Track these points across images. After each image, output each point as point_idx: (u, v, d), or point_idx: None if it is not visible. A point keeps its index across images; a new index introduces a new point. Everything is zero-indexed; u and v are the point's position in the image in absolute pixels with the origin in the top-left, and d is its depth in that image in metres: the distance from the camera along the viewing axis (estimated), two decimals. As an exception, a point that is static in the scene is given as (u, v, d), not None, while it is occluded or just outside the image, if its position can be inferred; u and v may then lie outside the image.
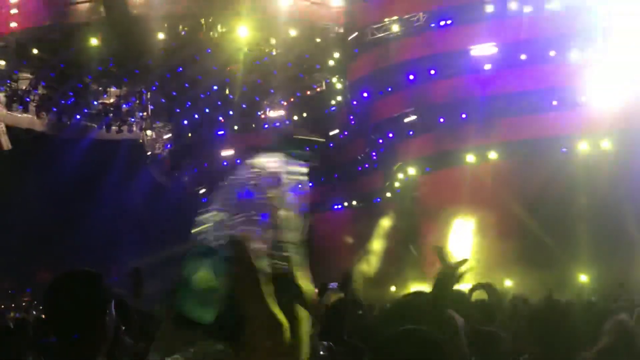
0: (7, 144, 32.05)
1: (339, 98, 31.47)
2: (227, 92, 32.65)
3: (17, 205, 34.11)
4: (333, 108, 32.14)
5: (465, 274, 3.78)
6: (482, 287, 10.77)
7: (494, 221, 25.10)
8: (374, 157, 30.03)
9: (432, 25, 25.09)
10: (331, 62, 29.25)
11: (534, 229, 23.73)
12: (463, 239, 25.69)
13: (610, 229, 22.29)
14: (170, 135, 37.87)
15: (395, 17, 25.42)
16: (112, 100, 33.57)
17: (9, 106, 30.67)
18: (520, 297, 9.77)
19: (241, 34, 25.55)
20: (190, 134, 36.83)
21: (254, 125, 35.32)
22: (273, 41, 27.20)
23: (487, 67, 24.47)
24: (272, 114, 35.07)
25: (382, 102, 27.11)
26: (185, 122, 36.35)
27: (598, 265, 22.36)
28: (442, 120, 25.99)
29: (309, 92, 33.64)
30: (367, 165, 31.12)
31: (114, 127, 34.14)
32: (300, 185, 2.70)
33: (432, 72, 25.56)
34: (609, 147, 23.64)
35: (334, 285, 8.09)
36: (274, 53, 28.55)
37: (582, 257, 22.51)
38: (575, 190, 23.18)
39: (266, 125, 35.19)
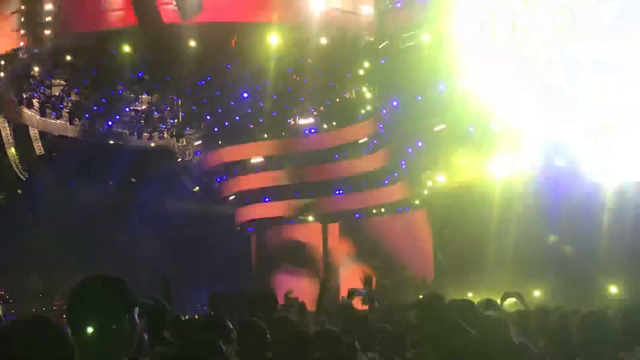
0: (39, 150, 32.46)
1: (369, 107, 31.46)
2: (257, 99, 32.76)
3: (49, 209, 34.51)
4: (362, 116, 32.15)
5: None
6: (511, 296, 10.79)
7: (521, 230, 24.95)
8: (403, 166, 29.97)
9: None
10: (361, 71, 29.26)
11: (562, 238, 23.57)
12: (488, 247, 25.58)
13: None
14: (200, 142, 38.08)
15: (425, 25, 25.34)
16: (143, 107, 33.84)
17: (42, 112, 31.03)
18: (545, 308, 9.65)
19: (272, 42, 25.65)
20: (220, 141, 37.01)
21: (283, 133, 35.43)
22: (304, 49, 27.26)
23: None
24: (302, 121, 35.13)
25: (412, 110, 27.05)
26: (216, 129, 36.53)
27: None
28: (471, 129, 25.87)
29: (338, 100, 33.67)
30: (395, 174, 31.05)
31: (145, 134, 34.42)
32: None
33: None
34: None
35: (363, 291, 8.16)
36: (305, 61, 28.62)
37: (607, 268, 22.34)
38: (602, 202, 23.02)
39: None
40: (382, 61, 27.09)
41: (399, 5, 25.71)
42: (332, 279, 24.09)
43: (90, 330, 2.75)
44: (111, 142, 34.86)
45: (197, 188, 38.86)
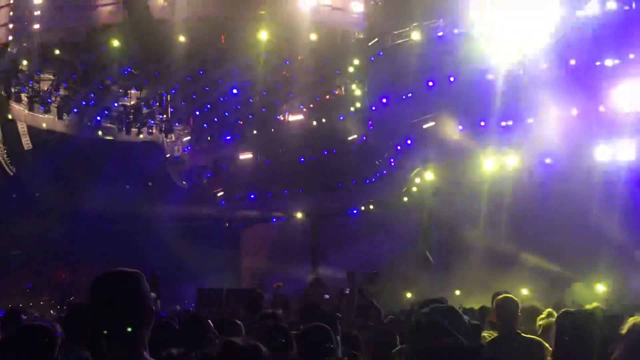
0: (27, 144, 32.34)
1: (358, 104, 31.47)
2: (246, 95, 32.77)
3: (36, 204, 34.39)
4: (352, 113, 32.14)
5: None
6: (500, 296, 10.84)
7: (510, 227, 25.02)
8: (392, 163, 29.99)
9: (453, 31, 24.97)
10: (351, 68, 29.29)
11: (549, 235, 23.63)
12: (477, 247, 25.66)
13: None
14: (189, 137, 38.06)
15: (415, 23, 25.35)
16: (132, 102, 33.76)
17: (30, 107, 30.93)
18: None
19: (262, 38, 25.65)
20: (209, 137, 37.01)
21: (272, 130, 35.42)
22: (293, 46, 27.29)
23: (508, 74, 24.34)
24: (292, 118, 35.14)
25: (401, 107, 27.06)
26: (205, 125, 36.54)
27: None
28: (460, 127, 25.90)
29: (328, 97, 33.68)
30: (385, 172, 31.08)
31: (133, 129, 34.35)
32: None
33: (452, 78, 25.48)
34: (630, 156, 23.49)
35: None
36: (294, 58, 28.65)
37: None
38: (596, 197, 23.12)
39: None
40: (372, 59, 27.13)
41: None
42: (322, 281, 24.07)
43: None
44: (99, 136, 34.79)
45: (185, 182, 38.81)
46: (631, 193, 22.65)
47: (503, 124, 25.13)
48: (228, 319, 5.81)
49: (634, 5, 21.76)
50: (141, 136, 35.28)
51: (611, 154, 23.77)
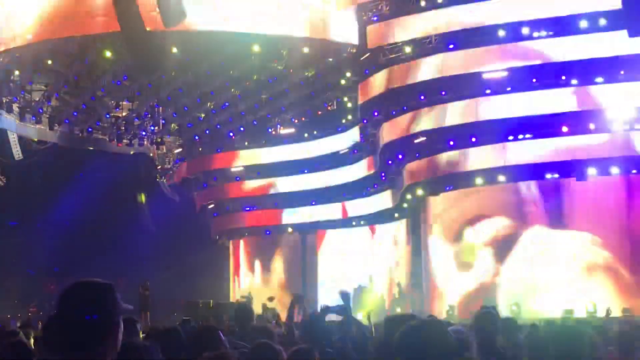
0: (18, 155, 32.18)
1: (350, 117, 31.53)
2: (238, 108, 32.79)
3: (25, 215, 34.27)
4: (343, 127, 32.19)
5: None
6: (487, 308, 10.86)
7: (502, 242, 25.08)
8: (383, 178, 30.00)
9: (445, 47, 25.03)
10: (343, 82, 29.37)
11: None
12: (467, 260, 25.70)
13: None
14: (180, 149, 37.99)
15: (408, 39, 25.42)
16: (124, 114, 33.70)
17: (22, 117, 30.82)
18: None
19: (254, 51, 25.68)
20: (200, 149, 36.97)
21: (264, 142, 35.41)
22: (286, 59, 27.34)
23: (499, 90, 24.42)
24: (283, 131, 35.14)
25: (393, 122, 27.09)
26: (196, 137, 36.51)
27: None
28: (452, 143, 25.92)
29: (320, 112, 33.75)
30: (376, 186, 31.09)
31: (125, 140, 34.28)
32: None
33: (443, 93, 25.54)
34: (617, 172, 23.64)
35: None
36: (287, 71, 28.71)
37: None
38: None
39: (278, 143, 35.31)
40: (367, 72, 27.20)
41: (375, 19, 25.74)
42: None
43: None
44: (90, 148, 34.68)
45: (175, 195, 38.65)
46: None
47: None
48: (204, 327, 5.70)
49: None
50: (132, 151, 35.21)
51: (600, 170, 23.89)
